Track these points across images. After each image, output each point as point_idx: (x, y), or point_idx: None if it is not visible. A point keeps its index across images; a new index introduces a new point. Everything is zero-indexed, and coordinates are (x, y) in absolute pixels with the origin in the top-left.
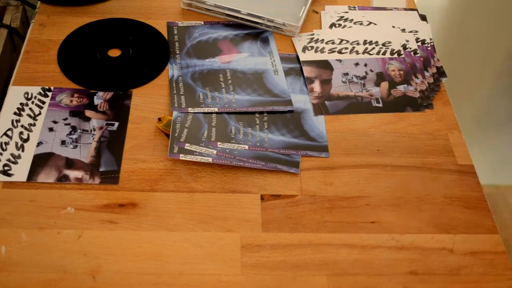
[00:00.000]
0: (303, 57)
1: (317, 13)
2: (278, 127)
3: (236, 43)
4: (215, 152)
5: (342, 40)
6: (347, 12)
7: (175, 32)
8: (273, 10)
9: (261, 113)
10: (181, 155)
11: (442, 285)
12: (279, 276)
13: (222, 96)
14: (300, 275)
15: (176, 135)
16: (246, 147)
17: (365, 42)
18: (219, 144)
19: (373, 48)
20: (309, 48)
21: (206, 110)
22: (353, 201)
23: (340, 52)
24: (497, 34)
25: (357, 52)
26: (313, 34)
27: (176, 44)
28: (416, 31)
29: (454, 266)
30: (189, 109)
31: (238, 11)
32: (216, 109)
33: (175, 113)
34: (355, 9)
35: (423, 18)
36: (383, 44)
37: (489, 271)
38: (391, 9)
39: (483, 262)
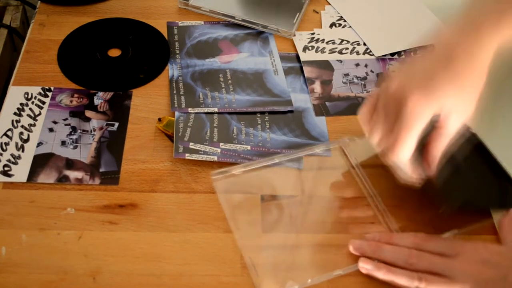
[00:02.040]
0: (303, 57)
1: (317, 12)
2: (280, 127)
3: (236, 43)
4: (219, 150)
5: (342, 40)
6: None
7: (175, 32)
8: (268, 15)
9: (262, 113)
10: (186, 154)
11: None
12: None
13: (222, 96)
14: (300, 275)
15: (180, 134)
16: (249, 147)
17: (365, 43)
18: (222, 145)
19: None
20: (310, 48)
21: (206, 110)
22: (354, 201)
23: (340, 52)
24: None
25: (357, 53)
26: (313, 33)
27: (176, 44)
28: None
29: None
30: (189, 109)
31: (233, 17)
32: (216, 109)
33: (177, 113)
34: None
35: None
36: None
37: None
38: None
39: None
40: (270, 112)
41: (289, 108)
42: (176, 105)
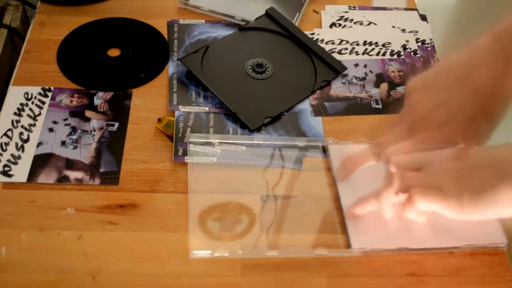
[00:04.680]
0: None
1: (317, 13)
2: (276, 128)
3: None
4: (219, 151)
5: (342, 41)
6: (347, 12)
7: (176, 29)
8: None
9: None
10: (186, 157)
11: (442, 287)
12: (279, 277)
13: (214, 95)
14: (300, 276)
15: (179, 135)
16: (244, 148)
17: (365, 43)
18: (217, 145)
19: (373, 49)
20: None
21: (197, 109)
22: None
23: (339, 52)
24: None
25: (356, 53)
26: (313, 34)
27: (175, 41)
28: (416, 31)
29: (453, 267)
30: (180, 106)
31: (233, 17)
32: (207, 109)
33: (177, 113)
34: (355, 9)
35: (423, 18)
36: (383, 45)
37: (489, 273)
38: (391, 9)
39: (482, 263)
40: None
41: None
42: (172, 103)
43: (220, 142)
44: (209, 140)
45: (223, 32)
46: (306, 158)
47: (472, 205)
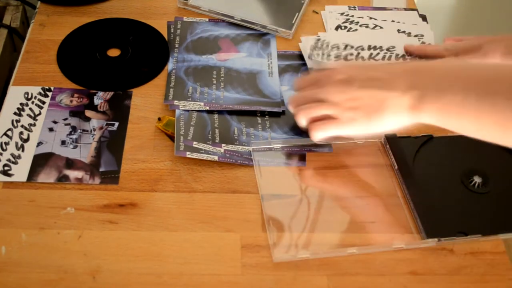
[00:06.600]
0: (310, 63)
1: (316, 13)
2: (280, 125)
3: (236, 42)
4: (222, 150)
5: (347, 46)
6: (348, 13)
7: (179, 26)
8: (267, 15)
9: (262, 113)
10: (187, 152)
11: (442, 285)
12: (279, 276)
13: (211, 92)
14: (300, 275)
15: (181, 133)
16: (251, 149)
17: (369, 48)
18: (224, 146)
19: (378, 53)
20: (315, 55)
21: (192, 104)
22: (354, 201)
23: (345, 58)
24: (497, 33)
25: (362, 58)
26: (319, 38)
27: (177, 38)
28: (422, 35)
29: (454, 266)
30: (175, 101)
31: (232, 17)
32: (202, 104)
33: (178, 112)
34: (355, 9)
35: (423, 18)
36: (388, 49)
37: (489, 271)
38: (391, 9)
39: (483, 262)
40: (269, 113)
41: (276, 110)
42: (167, 98)
43: (282, 147)
44: (271, 146)
45: (225, 31)
46: (309, 155)
47: (364, 128)
